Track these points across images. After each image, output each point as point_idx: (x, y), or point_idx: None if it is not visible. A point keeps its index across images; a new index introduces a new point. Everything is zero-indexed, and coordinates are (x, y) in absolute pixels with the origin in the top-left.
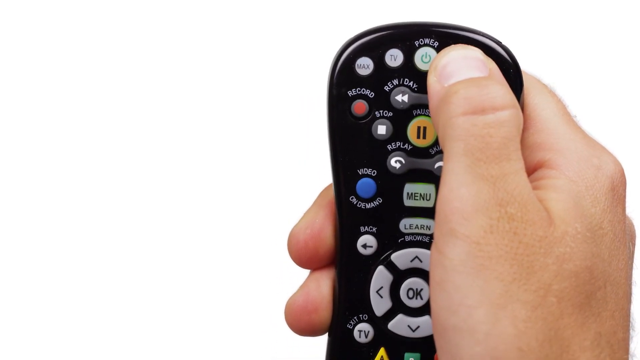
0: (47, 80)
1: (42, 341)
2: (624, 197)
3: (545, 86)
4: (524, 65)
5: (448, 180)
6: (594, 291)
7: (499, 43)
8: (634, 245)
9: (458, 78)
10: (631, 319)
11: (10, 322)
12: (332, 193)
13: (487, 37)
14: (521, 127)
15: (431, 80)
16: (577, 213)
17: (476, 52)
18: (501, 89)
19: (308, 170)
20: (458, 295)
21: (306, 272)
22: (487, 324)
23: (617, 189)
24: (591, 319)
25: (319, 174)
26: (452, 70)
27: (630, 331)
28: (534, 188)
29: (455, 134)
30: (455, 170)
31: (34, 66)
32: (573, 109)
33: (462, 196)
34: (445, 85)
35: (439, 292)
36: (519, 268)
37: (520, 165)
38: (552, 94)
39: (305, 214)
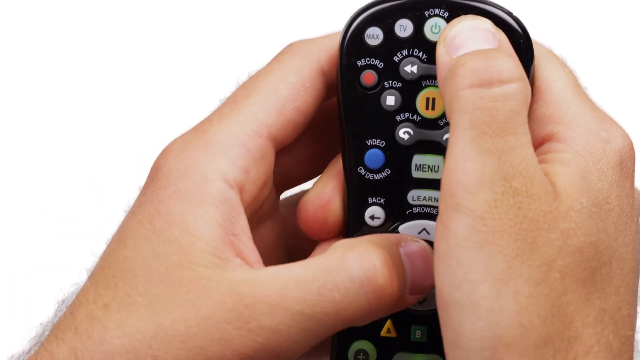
0: (45, 80)
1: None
2: (633, 171)
3: (556, 57)
4: (535, 37)
5: (453, 154)
6: (599, 267)
7: (509, 14)
8: None
9: (466, 49)
10: (638, 295)
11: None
12: (341, 163)
13: (497, 8)
14: (529, 100)
15: (440, 51)
16: (583, 187)
17: (486, 23)
18: (509, 62)
19: None
20: (461, 270)
21: None
22: (490, 299)
23: (626, 163)
24: (595, 295)
25: None
26: (460, 41)
27: (637, 307)
28: (541, 162)
29: (461, 107)
30: (460, 143)
31: (33, 66)
32: (584, 81)
33: (467, 170)
34: (454, 56)
35: (443, 267)
36: (523, 243)
37: (526, 139)
38: (563, 65)
39: (314, 185)
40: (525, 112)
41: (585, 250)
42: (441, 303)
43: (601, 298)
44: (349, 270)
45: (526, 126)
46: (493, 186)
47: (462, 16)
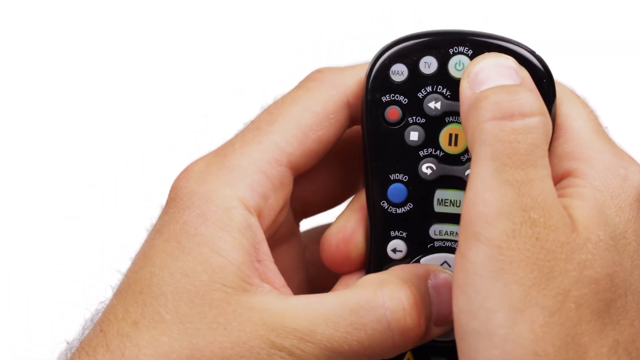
0: (45, 80)
1: (40, 342)
2: None
3: (578, 97)
4: (557, 76)
5: (473, 185)
6: (614, 299)
7: (532, 52)
8: None
9: (489, 85)
10: None
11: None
12: (364, 197)
13: (521, 47)
14: (550, 134)
15: (463, 86)
16: (601, 221)
17: (509, 61)
18: (531, 96)
19: None
20: (478, 298)
21: None
22: (505, 327)
23: None
24: (610, 327)
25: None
26: (484, 77)
27: None
28: (560, 196)
29: (483, 139)
30: (481, 175)
31: (33, 67)
32: (604, 121)
33: (486, 200)
34: (477, 91)
35: (461, 296)
36: (539, 273)
37: (546, 172)
38: (584, 104)
39: (338, 218)
40: (546, 146)
41: (601, 282)
42: (459, 331)
43: (615, 329)
44: (378, 311)
45: (546, 159)
46: (511, 216)
47: (486, 53)
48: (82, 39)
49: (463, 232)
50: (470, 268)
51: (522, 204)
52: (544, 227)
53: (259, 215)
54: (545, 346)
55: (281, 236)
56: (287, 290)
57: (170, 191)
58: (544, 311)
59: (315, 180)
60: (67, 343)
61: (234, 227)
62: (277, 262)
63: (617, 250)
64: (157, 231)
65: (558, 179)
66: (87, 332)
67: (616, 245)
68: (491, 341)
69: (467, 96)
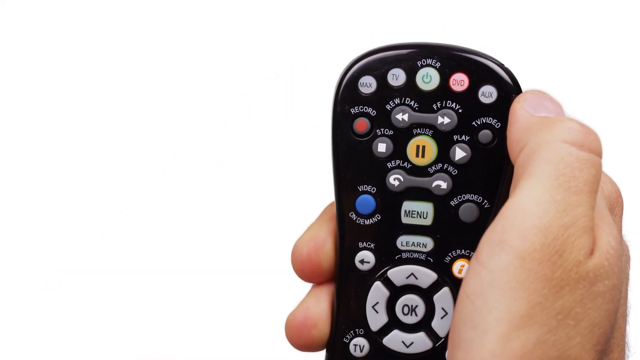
0: (46, 80)
1: (41, 342)
2: (621, 217)
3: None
4: (526, 85)
5: (520, 195)
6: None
7: (501, 65)
8: (629, 267)
9: (549, 113)
10: (627, 339)
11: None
12: (334, 209)
13: (489, 59)
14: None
15: (517, 107)
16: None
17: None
18: (600, 140)
19: (312, 183)
20: (483, 310)
21: (307, 286)
22: (499, 343)
23: (614, 209)
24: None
25: (323, 186)
26: (541, 105)
27: (626, 351)
28: None
29: (548, 156)
30: (533, 187)
31: (33, 68)
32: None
33: (529, 211)
34: (535, 114)
35: (468, 305)
36: (550, 291)
37: (593, 204)
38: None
39: (309, 228)
40: (598, 187)
41: (606, 295)
42: (453, 341)
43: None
44: None
45: (597, 194)
46: (548, 232)
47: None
48: (83, 41)
49: (487, 239)
50: (486, 276)
51: (563, 222)
52: (571, 245)
53: None
54: None
55: None
56: None
57: None
58: (542, 329)
59: None
60: None
61: None
62: None
63: (622, 272)
64: None
65: None
66: None
67: (621, 271)
68: (480, 355)
69: (525, 117)
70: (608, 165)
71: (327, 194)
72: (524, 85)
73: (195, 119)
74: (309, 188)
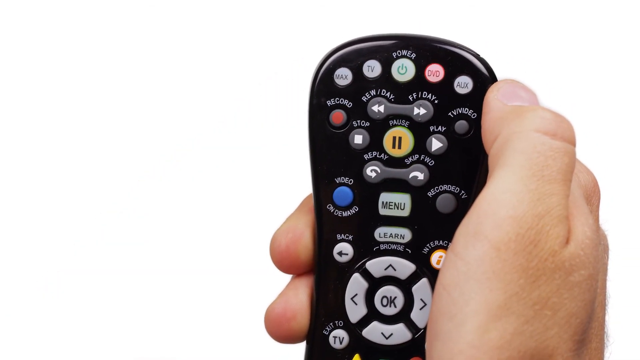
0: (46, 81)
1: (41, 342)
2: (598, 207)
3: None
4: (501, 75)
5: (494, 185)
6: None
7: (477, 56)
8: (608, 257)
9: (524, 103)
10: (606, 329)
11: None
12: (312, 200)
13: (464, 50)
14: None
15: (491, 98)
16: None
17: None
18: (573, 129)
19: (292, 175)
20: (460, 301)
21: (286, 278)
22: (477, 334)
23: (591, 199)
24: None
25: (303, 179)
26: (517, 94)
27: (605, 341)
28: None
29: (521, 146)
30: (506, 177)
31: (33, 68)
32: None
33: (502, 201)
34: (508, 104)
35: (445, 297)
36: (526, 281)
37: (567, 193)
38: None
39: (287, 219)
40: (572, 175)
41: (583, 284)
42: (431, 332)
43: (586, 346)
44: None
45: (570, 183)
46: (522, 222)
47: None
48: (82, 43)
49: (463, 230)
50: (462, 267)
51: (537, 211)
52: (545, 235)
53: None
54: (510, 353)
55: None
56: None
57: None
58: (519, 319)
59: None
60: None
61: None
62: None
63: (599, 261)
64: None
65: None
66: None
67: (597, 260)
68: (457, 346)
69: (498, 107)
70: (585, 155)
71: (306, 186)
72: (501, 76)
73: (195, 119)
74: (308, 188)
